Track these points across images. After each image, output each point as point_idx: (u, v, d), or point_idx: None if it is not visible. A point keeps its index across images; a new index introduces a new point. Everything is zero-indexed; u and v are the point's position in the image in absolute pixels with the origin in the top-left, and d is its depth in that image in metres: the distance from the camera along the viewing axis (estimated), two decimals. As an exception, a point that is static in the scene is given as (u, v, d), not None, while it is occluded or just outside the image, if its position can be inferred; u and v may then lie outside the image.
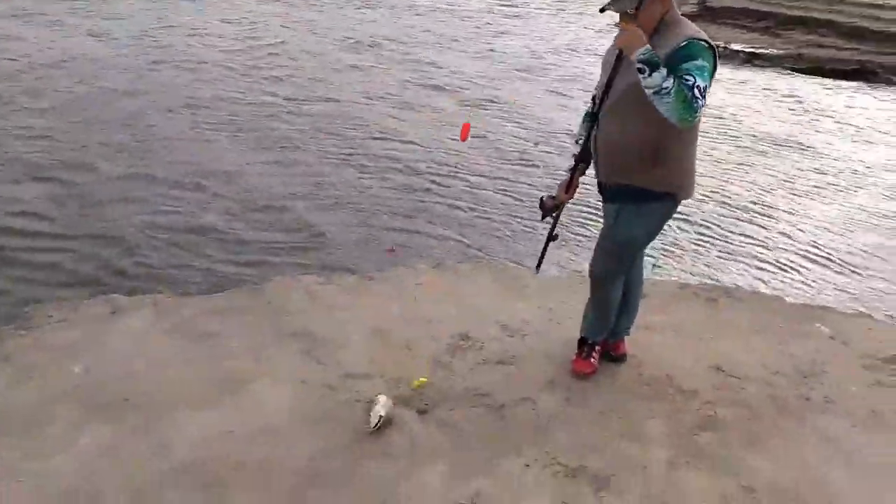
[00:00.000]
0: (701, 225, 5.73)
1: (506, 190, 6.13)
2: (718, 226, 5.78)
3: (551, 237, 2.96)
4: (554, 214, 2.91)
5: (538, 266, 3.03)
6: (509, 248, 4.92)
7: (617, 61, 2.52)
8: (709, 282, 4.56)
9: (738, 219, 5.98)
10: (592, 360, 3.07)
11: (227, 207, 5.28)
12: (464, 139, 3.13)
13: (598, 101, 2.70)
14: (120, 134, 6.59)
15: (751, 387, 3.09)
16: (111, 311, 3.62)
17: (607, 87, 2.60)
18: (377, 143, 7.00)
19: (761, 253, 5.36)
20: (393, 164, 6.49)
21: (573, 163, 2.85)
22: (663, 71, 2.32)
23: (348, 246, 4.75)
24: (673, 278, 4.58)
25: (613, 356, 3.16)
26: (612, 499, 2.29)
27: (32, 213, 4.92)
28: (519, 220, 5.50)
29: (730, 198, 6.43)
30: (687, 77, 2.32)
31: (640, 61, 2.34)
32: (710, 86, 2.37)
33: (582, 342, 3.10)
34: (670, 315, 3.79)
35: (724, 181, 6.85)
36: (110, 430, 2.59)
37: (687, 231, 5.60)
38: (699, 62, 2.34)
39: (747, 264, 5.14)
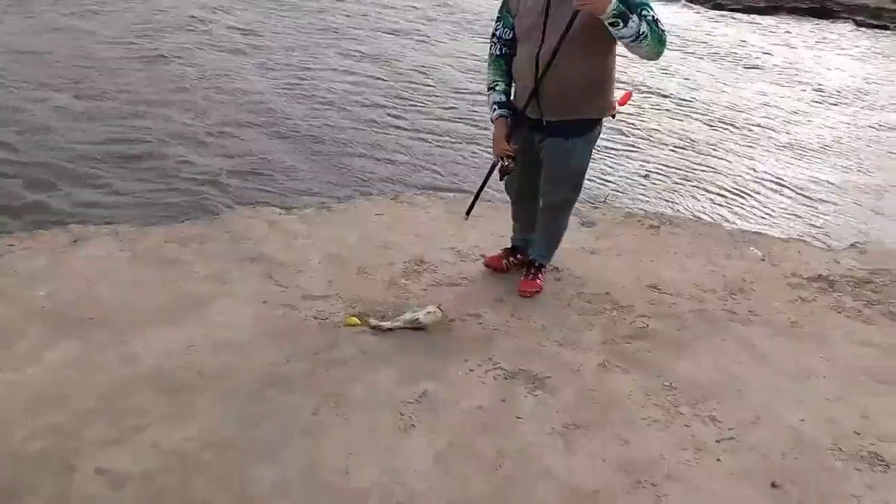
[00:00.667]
0: (654, 159, 5.95)
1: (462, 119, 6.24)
2: (672, 163, 6.00)
3: (482, 188, 3.13)
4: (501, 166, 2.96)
5: (468, 212, 3.25)
6: (464, 178, 5.07)
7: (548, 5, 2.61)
8: (654, 210, 4.78)
9: (693, 151, 6.22)
10: (539, 280, 3.27)
11: (185, 135, 5.30)
12: (623, 104, 3.07)
13: (539, 44, 2.68)
14: (71, 68, 6.50)
15: (682, 302, 3.34)
16: (73, 239, 3.70)
17: (545, 29, 2.65)
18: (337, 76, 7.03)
19: (708, 183, 5.61)
20: (353, 97, 6.54)
21: (500, 110, 2.86)
22: (634, 17, 2.41)
23: (307, 176, 4.84)
24: (619, 207, 4.79)
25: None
26: (546, 396, 2.52)
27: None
28: (474, 151, 5.64)
29: (682, 133, 6.66)
30: (646, 13, 2.43)
31: (613, 17, 2.40)
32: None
33: (530, 264, 3.30)
34: (614, 240, 4.02)
35: (679, 119, 7.06)
36: (77, 345, 2.71)
37: (638, 163, 5.82)
38: None
39: (694, 195, 5.39)
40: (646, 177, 5.61)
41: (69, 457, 2.02)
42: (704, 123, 7.14)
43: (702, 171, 5.85)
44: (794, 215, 5.17)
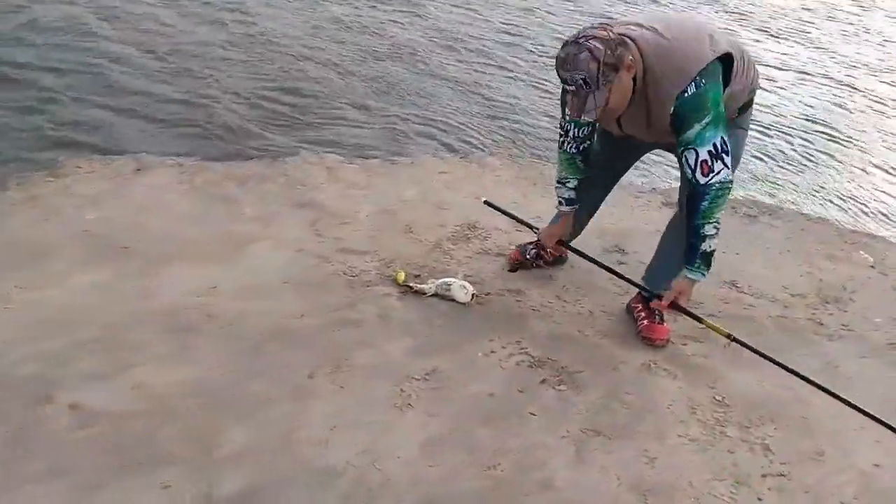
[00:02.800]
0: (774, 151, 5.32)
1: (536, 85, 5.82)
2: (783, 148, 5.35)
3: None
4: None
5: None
6: (540, 144, 4.71)
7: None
8: (753, 199, 4.24)
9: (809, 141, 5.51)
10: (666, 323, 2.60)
11: (255, 76, 5.21)
12: None
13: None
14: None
15: (762, 305, 2.92)
16: (137, 168, 3.72)
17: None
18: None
19: (825, 173, 4.94)
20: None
21: (568, 207, 2.61)
22: (703, 245, 2.19)
23: (376, 131, 4.65)
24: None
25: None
26: (570, 393, 2.23)
27: (81, 72, 5.00)
28: (551, 117, 5.23)
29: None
30: (689, 153, 2.09)
31: (707, 272, 2.27)
32: (724, 115, 2.10)
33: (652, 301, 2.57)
34: (698, 227, 3.58)
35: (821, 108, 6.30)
36: (107, 272, 2.68)
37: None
38: (700, 122, 2.05)
39: (806, 186, 4.76)
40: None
41: (50, 387, 1.96)
42: (836, 105, 6.33)
43: (821, 158, 5.17)
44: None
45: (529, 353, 2.39)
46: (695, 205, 2.15)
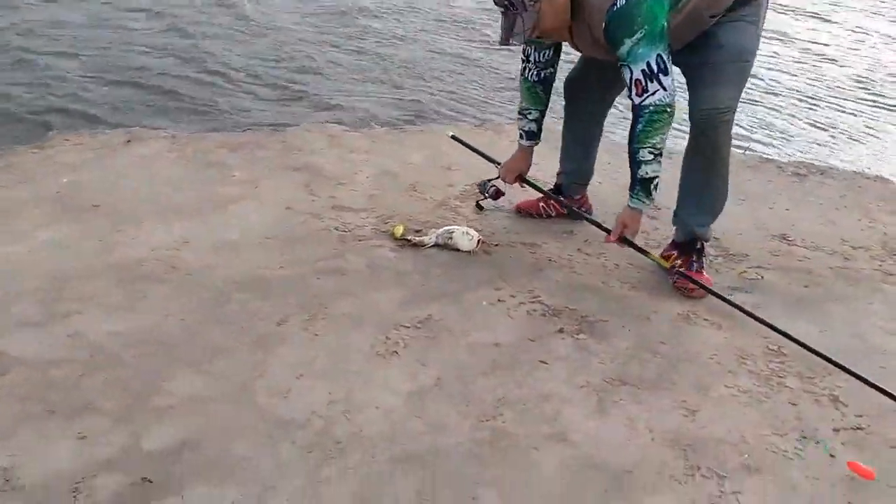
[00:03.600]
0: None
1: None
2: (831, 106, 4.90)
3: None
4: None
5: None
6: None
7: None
8: (804, 160, 3.81)
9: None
10: (704, 271, 2.25)
11: (258, 55, 4.99)
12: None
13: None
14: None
15: (819, 258, 2.51)
16: (127, 140, 3.47)
17: None
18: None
19: (884, 148, 4.48)
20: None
21: (529, 140, 2.43)
22: (640, 170, 1.96)
23: (385, 102, 4.35)
24: (754, 152, 3.87)
25: (583, 211, 2.57)
26: (591, 342, 1.85)
27: (71, 54, 4.84)
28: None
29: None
30: (624, 71, 1.88)
31: (649, 200, 2.02)
32: (663, 30, 1.83)
33: (688, 245, 2.26)
34: (739, 184, 3.17)
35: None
36: (68, 229, 2.41)
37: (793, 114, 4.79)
38: (630, 38, 1.82)
39: (863, 156, 4.31)
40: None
41: (-24, 334, 1.67)
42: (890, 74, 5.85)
43: (877, 127, 4.71)
44: None
45: (543, 301, 2.03)
46: (632, 127, 1.95)
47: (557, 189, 2.63)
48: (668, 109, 1.88)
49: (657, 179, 1.97)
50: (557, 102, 2.62)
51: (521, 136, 2.43)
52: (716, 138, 2.09)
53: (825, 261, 2.49)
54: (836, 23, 7.65)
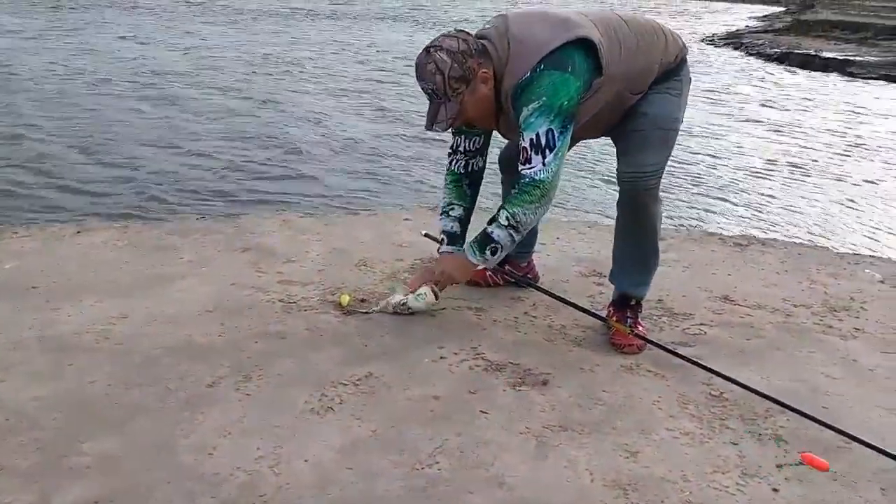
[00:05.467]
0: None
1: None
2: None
3: None
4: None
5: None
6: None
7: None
8: (741, 233, 3.95)
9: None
10: (641, 326, 2.24)
11: (211, 148, 5.12)
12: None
13: None
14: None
15: (761, 315, 2.54)
16: (77, 231, 3.46)
17: None
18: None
19: (817, 213, 4.68)
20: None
21: (447, 246, 2.30)
22: (490, 228, 1.96)
23: (337, 189, 4.45)
24: (695, 226, 4.00)
25: (528, 279, 2.60)
26: (534, 393, 1.82)
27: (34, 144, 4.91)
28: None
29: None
30: (519, 137, 1.90)
31: (482, 257, 2.01)
32: (562, 108, 1.85)
33: (622, 303, 2.27)
34: (683, 254, 3.26)
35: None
36: (4, 309, 2.35)
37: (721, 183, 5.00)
38: (527, 106, 1.86)
39: (801, 225, 4.48)
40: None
41: None
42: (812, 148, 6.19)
43: (809, 194, 4.93)
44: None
45: (486, 357, 2.01)
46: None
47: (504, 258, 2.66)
48: (541, 187, 1.88)
49: (500, 251, 1.98)
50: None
51: (441, 241, 2.31)
52: (643, 201, 2.14)
53: (767, 317, 2.52)
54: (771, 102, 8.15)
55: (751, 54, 16.97)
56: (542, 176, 1.87)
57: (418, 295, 2.29)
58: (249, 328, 2.15)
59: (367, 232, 3.40)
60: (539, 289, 2.36)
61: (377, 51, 10.16)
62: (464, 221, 2.30)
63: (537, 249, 2.69)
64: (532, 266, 2.72)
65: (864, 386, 1.95)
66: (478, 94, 1.91)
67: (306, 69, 8.91)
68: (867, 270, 3.21)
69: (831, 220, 4.59)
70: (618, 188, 2.18)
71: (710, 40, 19.26)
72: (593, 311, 2.27)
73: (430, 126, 1.97)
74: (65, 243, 3.18)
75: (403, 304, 2.30)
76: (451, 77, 1.86)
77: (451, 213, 2.28)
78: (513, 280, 2.58)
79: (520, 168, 1.91)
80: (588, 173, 5.06)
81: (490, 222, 1.97)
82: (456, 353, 2.02)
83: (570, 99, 1.85)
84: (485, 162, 2.31)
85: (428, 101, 1.96)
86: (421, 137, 5.71)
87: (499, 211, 1.95)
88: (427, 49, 1.90)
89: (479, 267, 2.04)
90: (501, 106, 1.96)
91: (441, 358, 2.00)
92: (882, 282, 3.05)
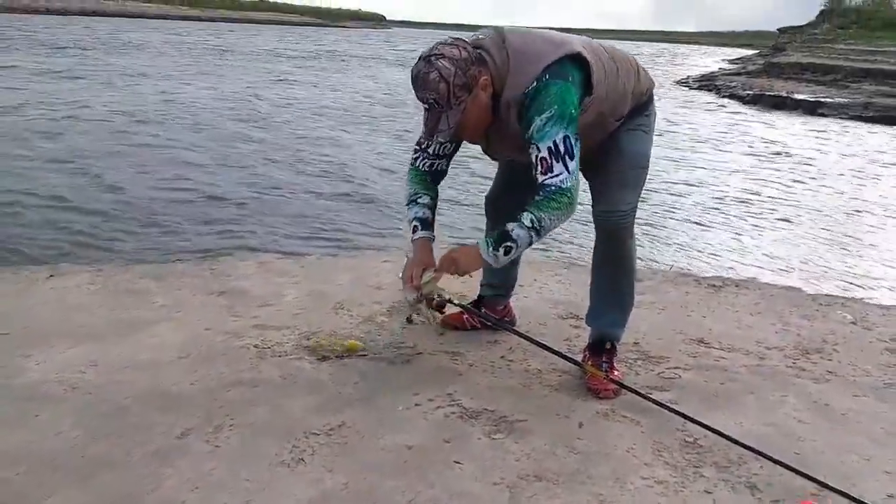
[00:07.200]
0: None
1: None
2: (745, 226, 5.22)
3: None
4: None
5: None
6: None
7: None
8: (722, 274, 4.00)
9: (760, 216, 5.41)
10: (616, 371, 2.25)
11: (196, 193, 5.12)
12: None
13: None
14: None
15: (735, 358, 2.56)
16: (50, 275, 3.42)
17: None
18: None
19: (790, 253, 4.76)
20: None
21: (423, 231, 2.22)
22: (511, 226, 1.90)
23: (317, 232, 4.45)
24: (670, 265, 4.05)
25: (505, 322, 2.61)
26: (509, 441, 1.81)
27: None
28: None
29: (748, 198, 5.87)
30: (532, 150, 1.88)
31: (494, 254, 1.94)
32: (572, 116, 1.87)
33: (598, 346, 2.29)
34: (659, 296, 3.30)
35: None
36: (-26, 356, 2.30)
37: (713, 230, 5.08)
38: (541, 115, 1.86)
39: (774, 266, 4.55)
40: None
41: None
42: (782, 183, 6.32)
43: (781, 233, 5.02)
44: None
45: (461, 404, 2.00)
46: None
47: (480, 300, 2.66)
48: (569, 194, 1.87)
49: (514, 250, 1.92)
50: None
51: (414, 229, 2.23)
52: (621, 239, 2.19)
53: (741, 360, 2.54)
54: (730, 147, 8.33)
55: (724, 96, 17.48)
56: (569, 184, 1.86)
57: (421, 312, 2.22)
58: (222, 375, 2.13)
59: (345, 274, 3.39)
60: (516, 332, 2.37)
61: (352, 91, 10.28)
62: (431, 208, 2.26)
63: (514, 291, 2.70)
64: (509, 309, 2.73)
65: (836, 430, 1.97)
66: (478, 102, 1.90)
67: (278, 108, 8.98)
68: (839, 312, 3.25)
69: (805, 260, 4.66)
70: (594, 227, 2.22)
71: (685, 82, 19.74)
72: (569, 355, 2.28)
73: (430, 136, 1.95)
74: (37, 287, 3.14)
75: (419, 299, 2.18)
76: (456, 85, 1.84)
77: (418, 200, 2.24)
78: (490, 323, 2.58)
79: (540, 178, 1.88)
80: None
81: (513, 219, 1.92)
82: (431, 400, 2.01)
83: (576, 108, 1.88)
84: (448, 166, 2.30)
85: (426, 111, 1.92)
86: (401, 176, 5.75)
87: (522, 213, 1.89)
88: (426, 58, 1.87)
89: (489, 264, 1.98)
90: (498, 116, 1.95)
91: (416, 405, 1.98)
92: (854, 323, 3.09)
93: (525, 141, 1.91)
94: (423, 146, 2.26)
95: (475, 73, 1.87)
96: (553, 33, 2.02)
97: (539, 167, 1.88)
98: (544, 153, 1.85)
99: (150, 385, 2.03)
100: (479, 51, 1.92)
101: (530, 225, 1.88)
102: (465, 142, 2.21)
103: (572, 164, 1.87)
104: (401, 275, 2.19)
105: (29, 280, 3.27)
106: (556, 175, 1.86)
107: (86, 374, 2.14)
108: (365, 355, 2.31)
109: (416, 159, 2.28)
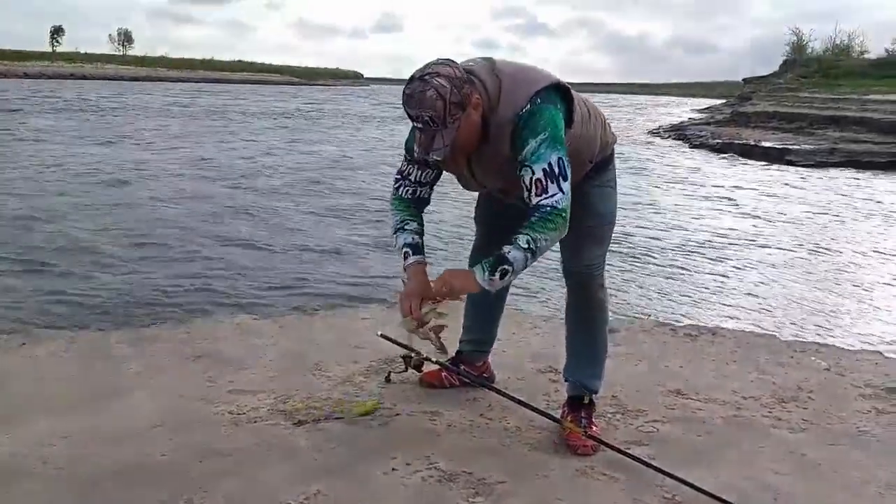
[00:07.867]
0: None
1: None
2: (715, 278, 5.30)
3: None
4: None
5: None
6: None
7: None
8: (696, 323, 4.04)
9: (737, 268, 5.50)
10: (595, 426, 2.27)
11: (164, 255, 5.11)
12: None
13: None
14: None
15: (712, 408, 2.58)
16: (23, 342, 3.36)
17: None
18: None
19: (765, 301, 4.83)
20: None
21: (415, 256, 2.18)
22: (507, 249, 1.87)
23: (295, 293, 4.45)
24: (652, 317, 4.09)
25: (484, 379, 2.61)
26: (488, 503, 1.79)
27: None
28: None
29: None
30: (525, 172, 1.88)
31: (489, 279, 1.90)
32: (563, 140, 1.91)
33: (576, 402, 2.32)
34: (635, 347, 3.32)
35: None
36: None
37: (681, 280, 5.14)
38: (535, 138, 1.88)
39: (748, 313, 4.61)
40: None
41: None
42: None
43: (755, 281, 5.10)
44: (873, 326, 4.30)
45: (440, 467, 1.98)
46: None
47: (458, 355, 2.66)
48: (563, 215, 1.86)
49: (510, 274, 1.88)
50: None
51: (405, 255, 2.18)
52: (593, 292, 2.24)
53: (718, 411, 2.56)
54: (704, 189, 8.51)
55: (694, 146, 17.94)
56: (563, 204, 1.86)
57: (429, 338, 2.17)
58: (196, 445, 2.10)
59: (323, 334, 3.38)
60: (495, 390, 2.37)
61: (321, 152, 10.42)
62: (420, 233, 2.22)
63: (493, 346, 2.71)
64: (488, 366, 2.73)
65: (811, 481, 1.98)
66: (470, 121, 1.90)
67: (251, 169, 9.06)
68: (813, 358, 3.30)
69: (779, 304, 4.73)
70: (565, 282, 2.26)
71: (656, 132, 20.28)
72: (548, 412, 2.28)
73: (425, 155, 1.91)
74: (9, 355, 3.09)
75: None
76: (452, 102, 1.83)
77: (406, 227, 2.21)
78: (468, 381, 2.58)
79: (535, 200, 1.87)
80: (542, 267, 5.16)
81: (509, 243, 1.89)
82: (409, 464, 1.99)
83: (563, 132, 1.92)
84: (430, 195, 2.28)
85: (419, 131, 1.90)
86: (376, 239, 5.80)
87: (517, 236, 1.87)
88: (421, 77, 1.85)
89: (484, 287, 1.93)
90: (485, 139, 1.95)
91: (393, 470, 1.96)
92: (827, 369, 3.13)
93: (516, 164, 1.91)
94: (404, 174, 2.24)
95: (468, 92, 1.87)
96: (539, 68, 2.08)
97: (534, 189, 1.87)
98: (539, 175, 1.85)
99: (123, 457, 1.99)
100: (468, 74, 1.93)
101: (526, 246, 1.85)
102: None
103: (566, 185, 1.87)
104: (398, 302, 2.16)
105: (1, 349, 3.22)
106: (552, 195, 1.86)
107: (56, 446, 2.10)
108: (356, 422, 2.28)
109: (398, 188, 2.26)
